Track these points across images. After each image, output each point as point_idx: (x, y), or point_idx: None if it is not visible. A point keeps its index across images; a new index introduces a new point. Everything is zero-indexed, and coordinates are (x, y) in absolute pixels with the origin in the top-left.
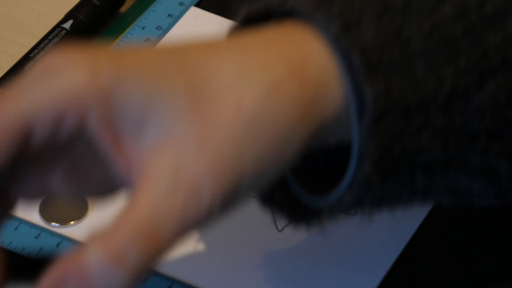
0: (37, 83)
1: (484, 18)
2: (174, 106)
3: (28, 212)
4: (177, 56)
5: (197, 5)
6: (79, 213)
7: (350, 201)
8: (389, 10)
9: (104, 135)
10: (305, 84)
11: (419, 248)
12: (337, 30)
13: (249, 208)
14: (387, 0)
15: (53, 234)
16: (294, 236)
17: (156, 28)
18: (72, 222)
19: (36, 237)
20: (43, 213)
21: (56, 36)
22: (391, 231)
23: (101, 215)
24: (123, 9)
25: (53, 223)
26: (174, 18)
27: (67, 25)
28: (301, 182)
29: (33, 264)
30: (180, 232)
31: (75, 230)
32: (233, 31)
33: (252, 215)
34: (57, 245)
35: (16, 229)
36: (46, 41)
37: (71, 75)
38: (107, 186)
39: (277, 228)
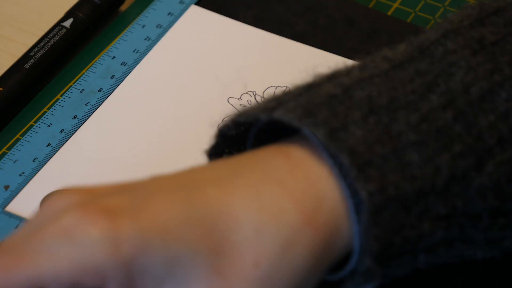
0: (56, 245)
1: (473, 102)
2: (194, 269)
3: (29, 211)
4: (195, 206)
5: (197, 3)
6: None
7: (353, 286)
8: (374, 110)
9: None
10: (319, 230)
11: None
12: (324, 137)
13: None
14: (371, 101)
15: None
16: None
17: (156, 27)
18: None
19: None
20: None
21: (56, 35)
22: None
23: None
24: (123, 7)
25: None
26: (174, 17)
27: (67, 23)
28: None
29: None
30: None
31: None
32: (226, 143)
33: None
34: None
35: (16, 227)
36: (46, 39)
37: (92, 244)
38: None
39: None
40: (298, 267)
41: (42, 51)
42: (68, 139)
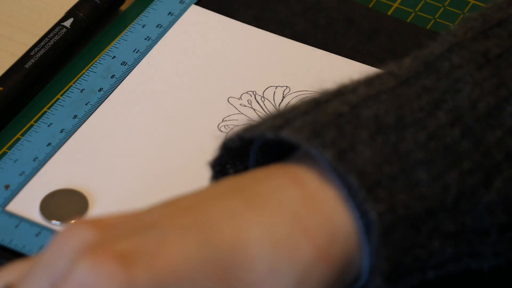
0: None
1: (480, 118)
2: None
3: (29, 210)
4: (211, 247)
5: (198, 3)
6: (80, 211)
7: None
8: (382, 129)
9: None
10: (333, 264)
11: None
12: (333, 159)
13: None
14: (379, 120)
15: (53, 232)
16: None
17: (157, 26)
18: (72, 220)
19: (36, 235)
20: (44, 211)
21: (56, 35)
22: None
23: (101, 213)
24: (124, 7)
25: (54, 221)
26: (174, 16)
27: (68, 23)
28: None
29: None
30: None
31: None
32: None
33: None
34: None
35: (16, 227)
36: (47, 39)
37: None
38: None
39: None
40: None
41: (42, 51)
42: (68, 139)
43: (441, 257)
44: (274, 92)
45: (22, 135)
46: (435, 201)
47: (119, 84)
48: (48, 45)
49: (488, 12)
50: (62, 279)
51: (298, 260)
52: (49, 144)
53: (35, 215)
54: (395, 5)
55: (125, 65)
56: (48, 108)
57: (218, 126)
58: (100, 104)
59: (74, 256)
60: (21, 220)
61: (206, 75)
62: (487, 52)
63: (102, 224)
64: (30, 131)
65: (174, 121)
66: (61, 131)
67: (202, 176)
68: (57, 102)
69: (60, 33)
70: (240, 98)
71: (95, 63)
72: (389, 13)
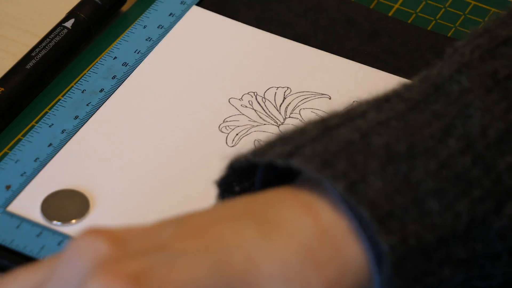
0: None
1: (491, 144)
2: None
3: (30, 211)
4: (221, 275)
5: (199, 4)
6: (81, 212)
7: None
8: (393, 159)
9: None
10: None
11: None
12: (344, 191)
13: None
14: (389, 149)
15: (54, 232)
16: None
17: (158, 27)
18: (73, 221)
19: (37, 236)
20: (45, 212)
21: (57, 35)
22: None
23: (102, 214)
24: (125, 8)
25: (55, 222)
26: (175, 17)
27: (69, 24)
28: None
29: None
30: None
31: (77, 229)
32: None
33: None
34: (59, 244)
35: (17, 227)
36: (48, 40)
37: None
38: None
39: None
40: None
41: (43, 52)
42: (69, 139)
43: (451, 283)
44: (275, 92)
45: (23, 135)
46: (447, 230)
47: (120, 85)
48: (49, 46)
49: (492, 28)
50: None
51: None
52: (50, 144)
53: (36, 216)
54: (396, 6)
55: (126, 65)
56: (49, 109)
57: (219, 126)
58: (101, 105)
59: (86, 272)
60: (22, 220)
61: (207, 76)
62: (495, 74)
63: (115, 237)
64: (31, 131)
65: (175, 121)
66: (62, 132)
67: (202, 177)
68: (58, 103)
69: (61, 34)
70: (241, 98)
71: (96, 63)
72: (390, 14)
